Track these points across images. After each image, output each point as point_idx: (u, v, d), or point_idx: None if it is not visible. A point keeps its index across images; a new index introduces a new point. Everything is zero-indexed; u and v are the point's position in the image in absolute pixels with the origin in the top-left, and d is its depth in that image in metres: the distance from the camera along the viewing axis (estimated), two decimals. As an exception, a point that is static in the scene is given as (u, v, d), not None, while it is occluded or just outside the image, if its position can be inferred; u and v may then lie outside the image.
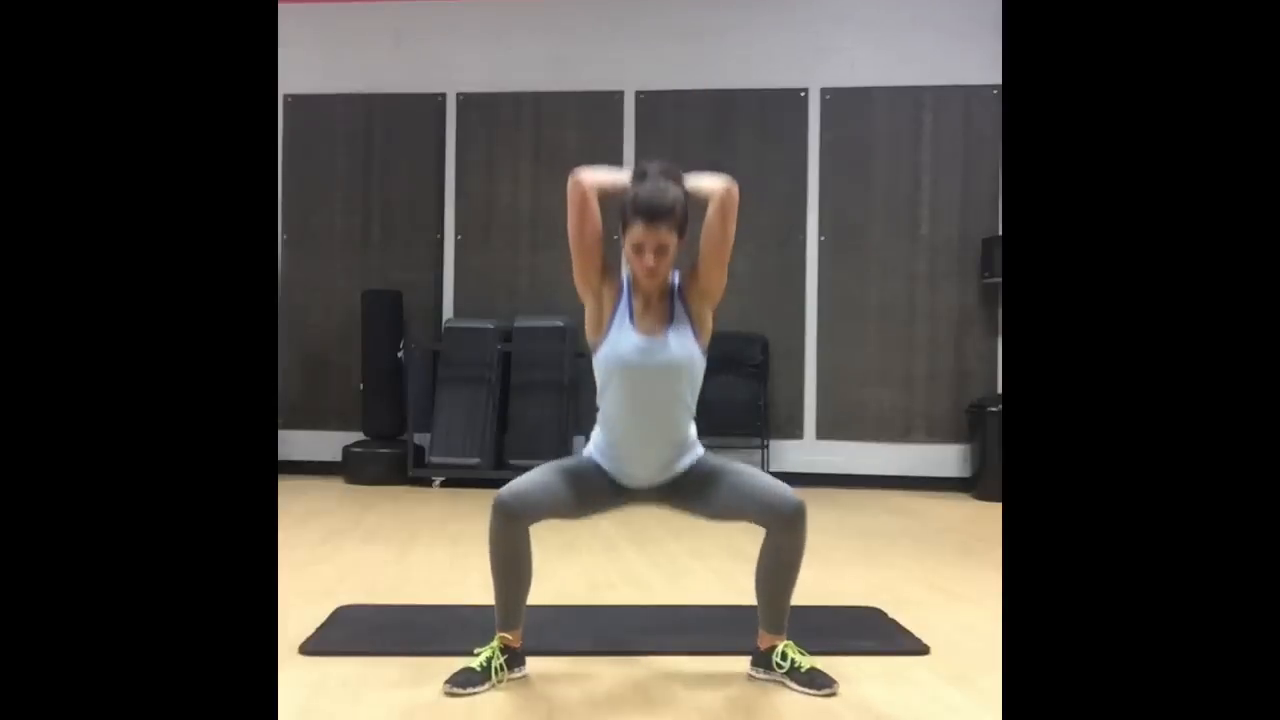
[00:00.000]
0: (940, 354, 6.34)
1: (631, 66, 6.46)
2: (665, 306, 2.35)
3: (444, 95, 6.63)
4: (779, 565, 2.36)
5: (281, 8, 5.58)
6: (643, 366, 2.31)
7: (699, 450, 2.45)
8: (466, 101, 6.63)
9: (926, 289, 6.36)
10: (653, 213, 2.24)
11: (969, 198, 6.33)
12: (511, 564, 2.33)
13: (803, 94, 6.45)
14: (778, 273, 6.37)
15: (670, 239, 2.27)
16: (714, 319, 2.42)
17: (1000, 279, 5.99)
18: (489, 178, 6.60)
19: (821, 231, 6.42)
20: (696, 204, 2.34)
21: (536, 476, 2.38)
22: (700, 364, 2.38)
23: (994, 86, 6.23)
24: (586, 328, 2.41)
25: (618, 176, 2.37)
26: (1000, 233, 6.15)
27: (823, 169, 6.42)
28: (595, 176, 2.33)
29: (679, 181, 2.32)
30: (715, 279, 2.36)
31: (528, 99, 6.54)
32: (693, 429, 2.44)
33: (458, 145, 6.63)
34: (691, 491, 2.42)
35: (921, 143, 6.40)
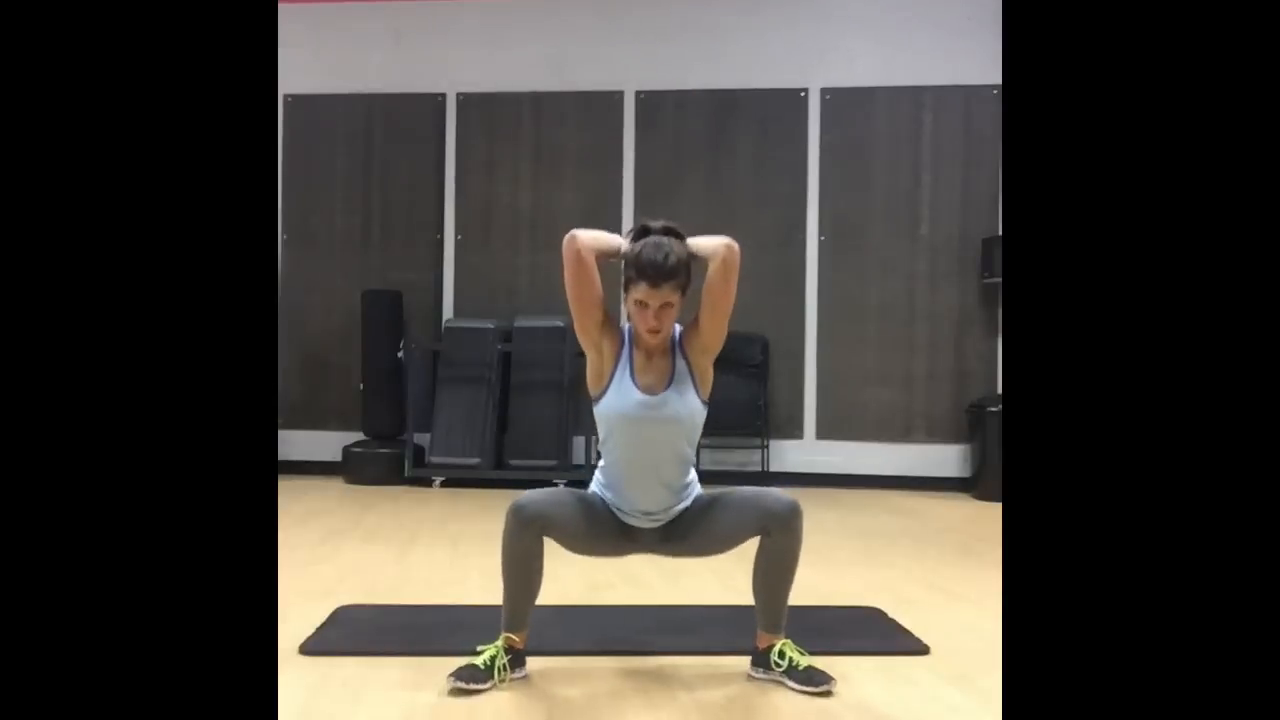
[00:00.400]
0: (940, 354, 6.34)
1: (631, 66, 6.46)
2: (667, 362, 2.39)
3: (444, 95, 6.64)
4: (776, 566, 2.37)
5: (281, 8, 5.58)
6: (642, 421, 2.35)
7: (697, 489, 2.50)
8: (466, 101, 6.63)
9: (926, 289, 6.36)
10: (657, 274, 2.27)
11: (969, 198, 6.33)
12: (523, 568, 2.35)
13: (803, 94, 6.45)
14: (778, 273, 6.37)
15: (674, 297, 2.31)
16: (713, 371, 2.44)
17: (1000, 279, 6.00)
18: (489, 178, 6.60)
19: (821, 231, 6.42)
20: (697, 263, 2.37)
21: (551, 492, 2.44)
22: (701, 416, 2.42)
23: (994, 86, 6.23)
24: (588, 377, 2.44)
25: (613, 239, 2.40)
26: (1000, 233, 6.15)
27: (823, 169, 6.42)
28: (591, 239, 2.35)
29: (681, 239, 2.35)
30: (716, 333, 2.39)
31: (528, 99, 6.55)
32: (693, 474, 2.48)
33: (458, 145, 6.63)
34: (690, 524, 2.45)
35: (921, 143, 6.40)
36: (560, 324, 6.08)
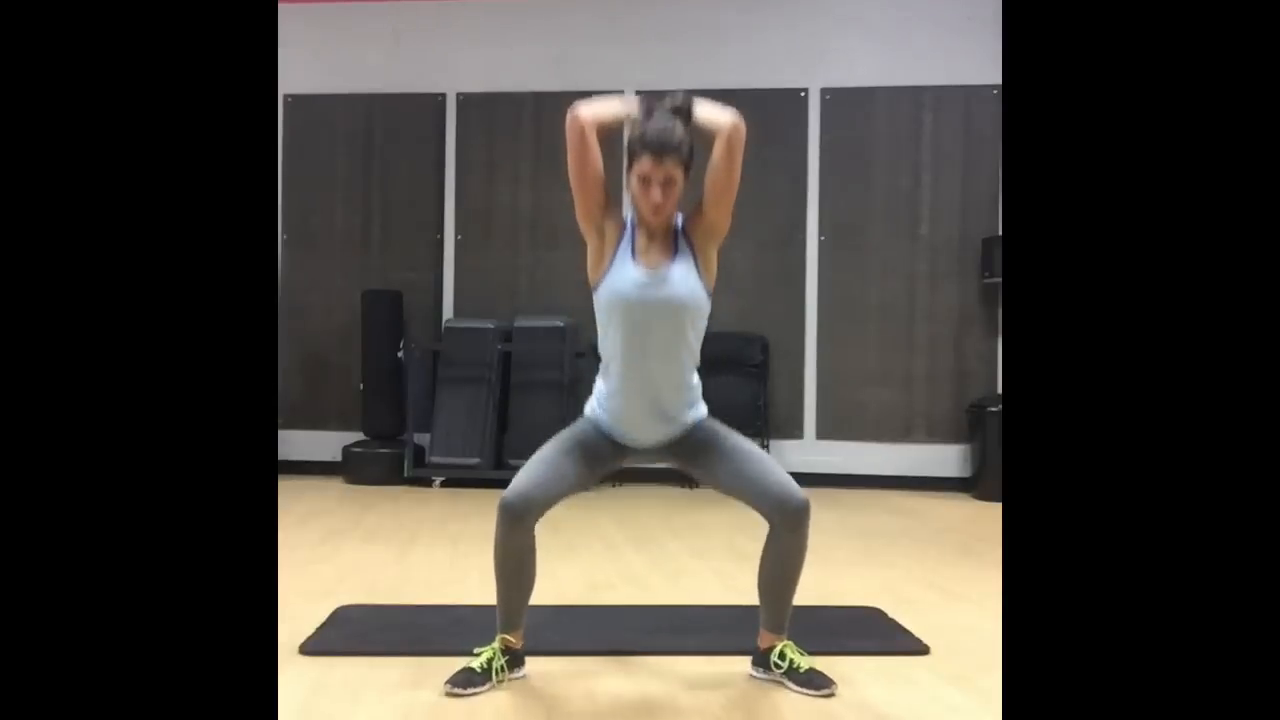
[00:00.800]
0: (940, 354, 6.34)
1: (631, 66, 6.45)
2: (669, 243, 2.32)
3: (444, 95, 6.63)
4: (782, 566, 2.35)
5: (281, 8, 5.58)
6: (643, 301, 2.27)
7: (702, 409, 2.41)
8: (466, 101, 6.63)
9: (926, 289, 6.36)
10: (661, 147, 2.23)
11: (969, 198, 6.33)
12: (515, 567, 2.32)
13: (803, 94, 6.45)
14: (778, 273, 6.37)
15: (677, 173, 2.26)
16: (717, 260, 2.37)
17: (1000, 279, 5.99)
18: (489, 178, 6.60)
19: (821, 231, 6.42)
20: (703, 141, 2.31)
21: (537, 468, 2.33)
22: (704, 303, 2.33)
23: (994, 86, 6.23)
24: (589, 266, 2.36)
25: (618, 107, 2.34)
26: (1000, 233, 6.15)
27: (823, 169, 6.42)
28: (594, 110, 2.30)
29: (687, 121, 2.30)
30: (721, 216, 2.33)
31: (528, 99, 6.54)
32: (697, 380, 2.39)
33: (458, 145, 6.63)
34: (693, 455, 2.38)
35: (921, 143, 6.40)
36: (560, 324, 6.08)
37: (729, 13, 6.47)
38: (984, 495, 5.84)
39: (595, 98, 2.34)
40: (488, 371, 6.24)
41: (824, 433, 6.38)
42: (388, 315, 6.31)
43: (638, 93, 2.37)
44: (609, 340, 2.34)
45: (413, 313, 6.44)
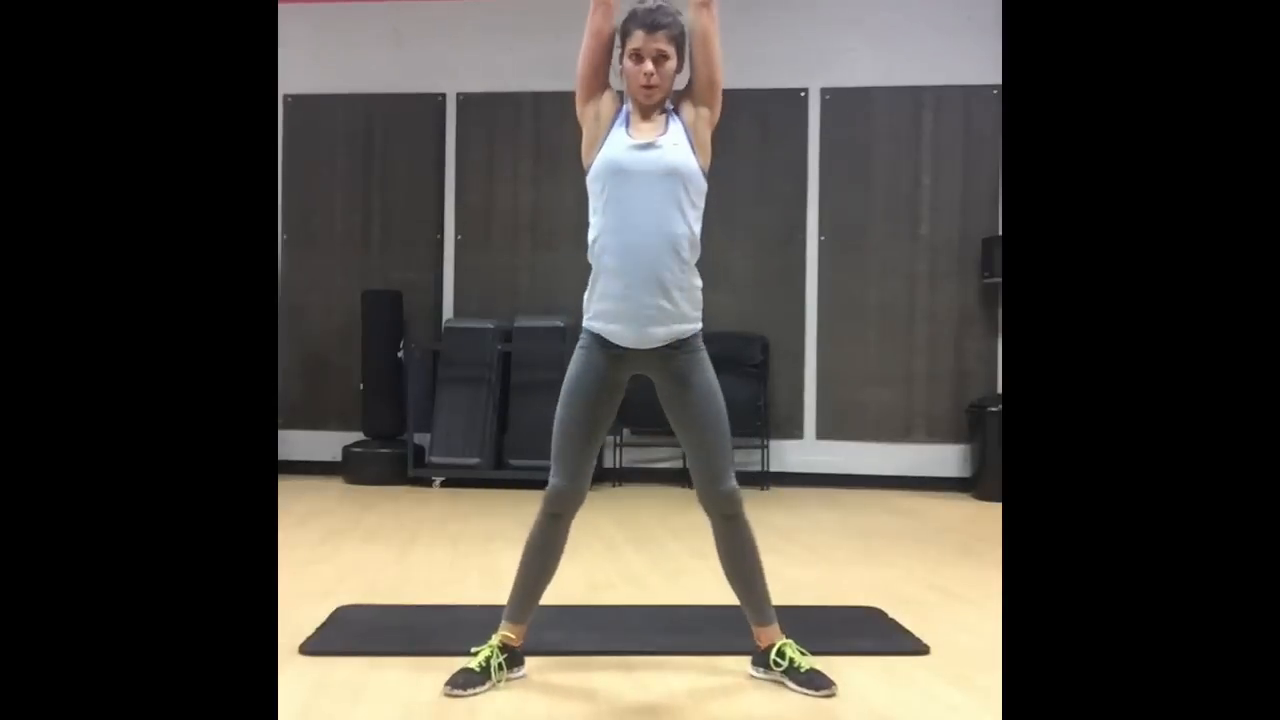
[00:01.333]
0: (940, 354, 6.34)
1: (631, 66, 6.45)
2: (663, 120, 2.33)
3: (444, 95, 6.63)
4: (738, 558, 2.41)
5: (281, 8, 5.58)
6: (635, 164, 2.25)
7: (699, 324, 2.34)
8: (466, 101, 6.63)
9: (926, 289, 6.36)
10: (653, 23, 2.27)
11: (969, 198, 6.33)
12: (543, 558, 2.39)
13: (803, 94, 6.44)
14: (778, 273, 6.37)
15: (669, 49, 2.28)
16: (712, 145, 2.36)
17: (1000, 279, 5.99)
18: (489, 178, 6.60)
19: (821, 231, 6.42)
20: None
21: (569, 446, 2.37)
22: (699, 177, 2.29)
23: (994, 86, 6.22)
24: (583, 150, 2.36)
25: None
26: (1000, 233, 6.15)
27: (823, 169, 6.42)
28: None
29: (677, 10, 2.33)
30: (710, 95, 2.33)
31: (528, 99, 6.54)
32: (698, 281, 2.32)
33: (458, 145, 6.63)
34: (674, 379, 2.33)
35: (921, 143, 6.40)
36: (560, 324, 6.08)
37: (729, 13, 6.40)
38: (984, 495, 5.84)
39: None
40: (488, 371, 6.24)
41: (824, 433, 6.38)
42: (388, 315, 6.31)
43: None
44: (601, 214, 2.29)
45: (413, 313, 6.44)
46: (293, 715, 2.13)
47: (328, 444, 6.45)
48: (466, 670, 2.32)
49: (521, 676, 2.40)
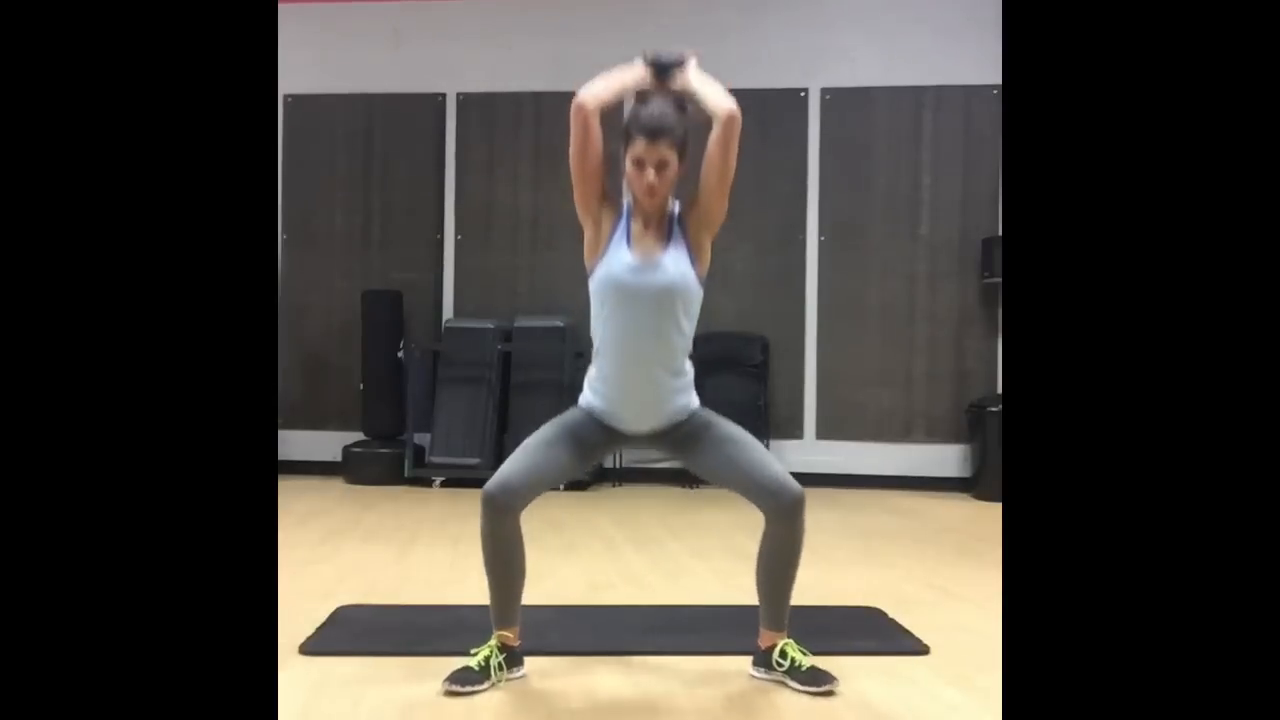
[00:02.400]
0: (940, 354, 6.34)
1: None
2: (663, 230, 2.34)
3: (444, 95, 6.63)
4: (779, 562, 2.36)
5: (281, 8, 5.58)
6: (635, 285, 2.28)
7: (694, 399, 2.41)
8: (466, 101, 6.63)
9: (926, 289, 6.36)
10: (655, 130, 2.25)
11: (969, 198, 6.33)
12: (504, 559, 2.33)
13: (803, 94, 6.45)
14: (778, 273, 6.37)
15: (671, 156, 2.27)
16: (711, 250, 2.38)
17: (1000, 279, 5.99)
18: (489, 178, 6.60)
19: (821, 231, 6.42)
20: (700, 121, 2.32)
21: (520, 457, 2.34)
22: (696, 291, 2.34)
23: (994, 86, 6.22)
24: (585, 251, 2.38)
25: (622, 81, 2.34)
26: (1000, 233, 6.15)
27: (823, 169, 6.42)
28: (596, 92, 2.30)
29: (682, 109, 2.32)
30: (716, 205, 2.35)
31: (528, 99, 6.54)
32: (689, 367, 2.41)
33: (458, 145, 6.63)
34: (685, 445, 2.39)
35: (921, 143, 6.40)
36: (560, 324, 6.08)
37: (729, 13, 6.47)
38: (984, 495, 5.84)
39: (598, 76, 2.33)
40: (488, 371, 6.24)
41: (824, 433, 6.38)
42: (388, 315, 6.31)
43: (642, 54, 2.36)
44: (603, 323, 2.35)
45: (413, 313, 6.44)
46: (293, 715, 2.13)
47: (328, 444, 6.45)
48: (466, 669, 2.32)
49: (521, 676, 2.40)
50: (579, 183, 2.34)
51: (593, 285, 2.36)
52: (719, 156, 2.30)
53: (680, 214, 2.37)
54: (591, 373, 2.42)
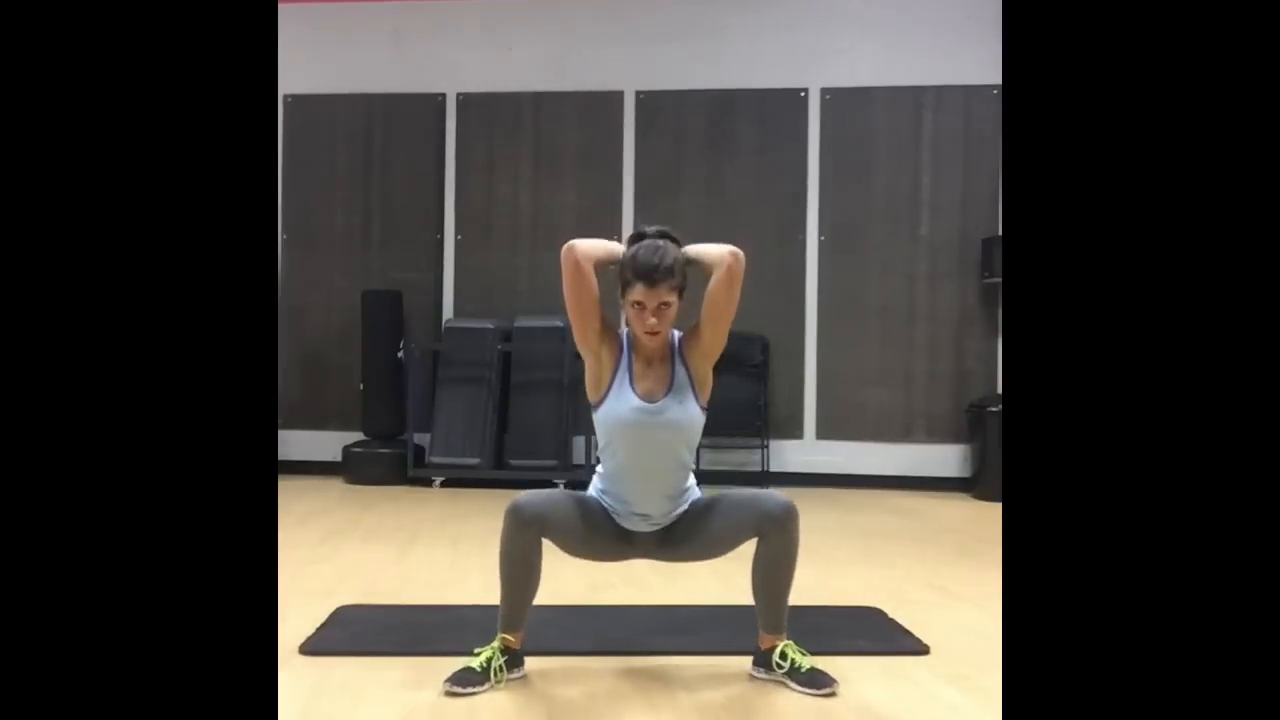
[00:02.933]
0: (940, 354, 6.34)
1: (631, 66, 6.45)
2: (666, 368, 2.39)
3: (444, 95, 6.63)
4: (774, 568, 2.37)
5: (281, 8, 5.58)
6: (641, 428, 2.35)
7: (696, 493, 2.50)
8: (466, 101, 6.63)
9: (926, 289, 6.36)
10: (653, 274, 2.28)
11: (969, 198, 6.33)
12: (521, 570, 2.35)
13: (803, 94, 6.44)
14: (778, 273, 6.37)
15: (671, 297, 2.31)
16: (713, 376, 2.44)
17: (1000, 279, 5.99)
18: (489, 178, 6.60)
19: (821, 231, 6.42)
20: (696, 269, 2.37)
21: (549, 494, 2.44)
22: (700, 423, 2.42)
23: (994, 86, 6.23)
24: (587, 385, 2.44)
25: (612, 247, 2.41)
26: (1000, 233, 6.15)
27: (823, 169, 6.42)
28: (589, 247, 2.36)
29: (677, 243, 2.37)
30: (717, 340, 2.39)
31: (528, 99, 6.54)
32: (692, 480, 2.49)
33: (458, 145, 6.63)
34: (688, 528, 2.45)
35: (921, 143, 6.40)
36: (560, 324, 6.07)
37: (729, 13, 6.47)
38: (984, 495, 5.84)
39: (589, 240, 2.39)
40: (488, 371, 6.24)
41: (824, 433, 6.38)
42: (388, 315, 6.31)
43: (630, 236, 2.42)
44: (608, 455, 2.43)
45: (413, 313, 6.44)
46: (293, 715, 2.13)
47: (328, 444, 6.45)
48: (467, 669, 2.32)
49: (521, 677, 2.40)
50: (577, 321, 2.39)
51: (597, 419, 2.43)
52: (723, 298, 2.34)
53: (681, 344, 2.42)
54: (598, 482, 2.49)
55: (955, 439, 6.24)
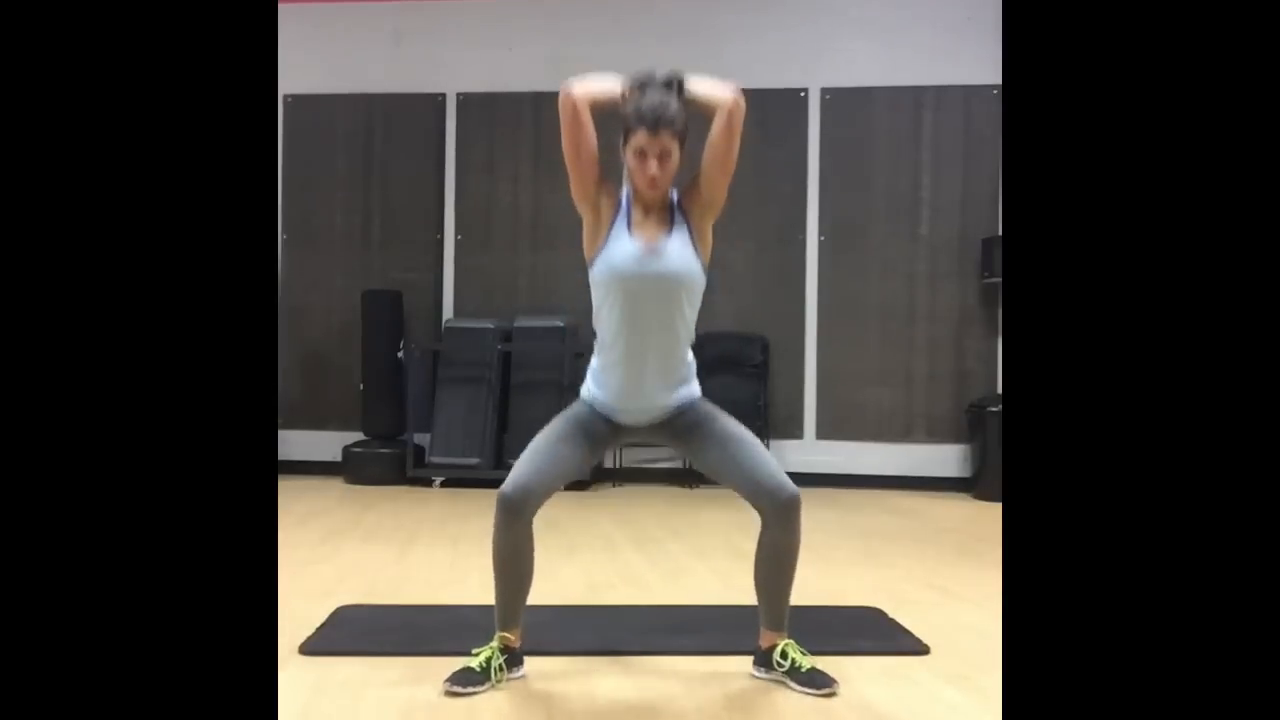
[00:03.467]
0: (940, 354, 6.34)
1: (631, 67, 6.43)
2: (665, 216, 2.33)
3: (444, 95, 6.63)
4: (777, 564, 2.36)
5: (281, 8, 5.58)
6: (639, 275, 2.28)
7: (695, 388, 2.42)
8: (466, 101, 6.63)
9: (926, 289, 6.36)
10: (656, 121, 2.23)
11: (969, 198, 6.33)
12: (514, 562, 2.33)
13: (803, 94, 6.45)
14: (778, 273, 6.37)
15: (672, 146, 2.26)
16: (712, 234, 2.37)
17: (1000, 279, 5.99)
18: (489, 178, 6.60)
19: (821, 231, 6.42)
20: (699, 113, 2.31)
21: (533, 458, 2.37)
22: (700, 278, 2.34)
23: (994, 86, 6.23)
24: (585, 241, 2.37)
25: (611, 86, 2.34)
26: (1000, 233, 6.15)
27: (823, 169, 6.42)
28: (587, 88, 2.30)
29: (681, 94, 2.30)
30: (718, 191, 2.34)
31: (528, 99, 6.54)
32: (691, 357, 2.41)
33: (458, 145, 6.63)
34: (685, 436, 2.39)
35: (921, 143, 6.40)
36: (560, 324, 6.08)
37: (729, 13, 6.47)
38: (984, 495, 5.84)
39: (587, 76, 2.33)
40: (488, 371, 6.24)
41: (824, 433, 6.38)
42: (388, 315, 6.31)
43: (632, 81, 2.35)
44: (605, 313, 2.34)
45: (413, 313, 6.44)
46: (293, 715, 2.13)
47: (328, 444, 6.45)
48: (467, 669, 2.32)
49: (521, 676, 2.40)
50: (575, 171, 2.33)
51: (594, 276, 2.35)
52: (723, 143, 2.29)
53: (680, 199, 2.36)
54: (594, 364, 2.42)
55: (955, 439, 6.24)
